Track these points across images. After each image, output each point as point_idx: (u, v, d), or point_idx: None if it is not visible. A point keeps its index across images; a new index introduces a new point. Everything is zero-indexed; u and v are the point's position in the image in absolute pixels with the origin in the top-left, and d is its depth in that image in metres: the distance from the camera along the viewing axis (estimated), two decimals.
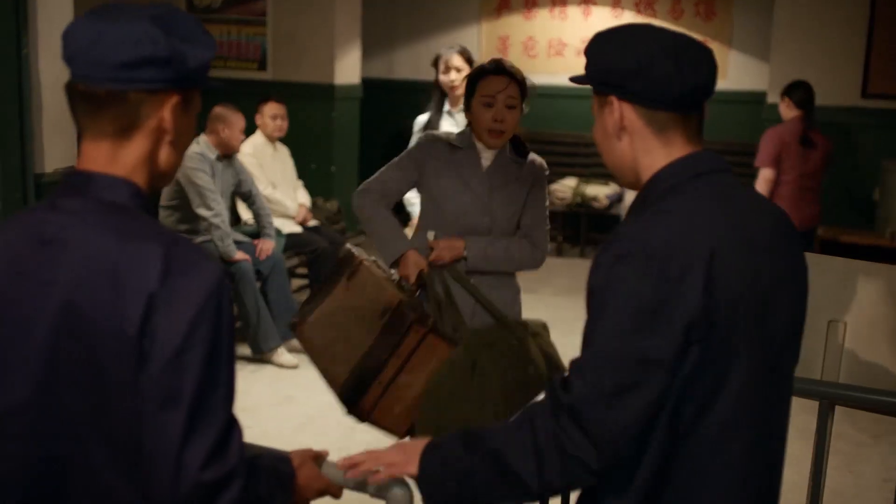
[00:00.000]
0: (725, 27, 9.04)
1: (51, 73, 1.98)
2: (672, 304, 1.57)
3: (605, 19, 9.38)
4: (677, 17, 9.16)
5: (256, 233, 6.12)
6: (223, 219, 5.64)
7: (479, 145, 3.35)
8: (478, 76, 3.28)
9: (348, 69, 8.23)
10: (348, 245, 2.99)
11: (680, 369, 1.59)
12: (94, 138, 1.56)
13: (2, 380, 1.52)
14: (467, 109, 3.31)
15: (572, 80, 1.89)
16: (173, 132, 1.58)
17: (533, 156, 3.42)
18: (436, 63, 5.21)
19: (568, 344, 2.60)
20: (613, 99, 1.75)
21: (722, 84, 8.82)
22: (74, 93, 1.55)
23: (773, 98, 7.51)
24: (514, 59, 9.57)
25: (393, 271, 3.11)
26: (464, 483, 1.71)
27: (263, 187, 6.35)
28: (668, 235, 1.61)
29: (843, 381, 2.60)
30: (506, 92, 3.22)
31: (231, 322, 1.52)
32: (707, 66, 1.74)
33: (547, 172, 3.42)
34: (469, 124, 3.37)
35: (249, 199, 6.05)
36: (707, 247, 1.62)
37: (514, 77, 3.26)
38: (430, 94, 5.21)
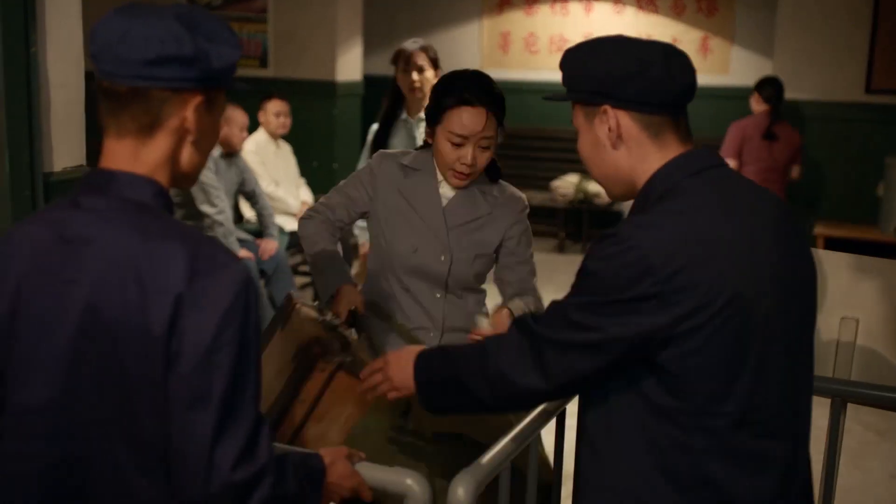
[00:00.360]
0: (728, 22, 9.02)
1: (59, 71, 1.96)
2: (663, 300, 1.60)
3: (606, 15, 9.36)
4: (679, 12, 9.14)
5: (258, 231, 6.11)
6: (227, 216, 5.62)
7: (439, 171, 2.76)
8: (448, 103, 2.62)
9: (350, 66, 8.21)
10: (291, 291, 2.90)
11: (665, 357, 1.62)
12: (118, 136, 1.55)
13: (24, 379, 1.52)
14: (430, 131, 2.70)
15: (548, 98, 1.92)
16: (196, 132, 1.57)
17: (510, 188, 2.82)
18: (395, 59, 4.58)
19: None
20: (607, 108, 1.75)
21: (724, 80, 8.92)
22: (100, 90, 1.55)
23: None
24: (516, 55, 9.57)
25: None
26: (446, 395, 1.90)
27: (266, 185, 6.34)
28: (664, 237, 1.63)
29: (856, 379, 2.58)
30: (482, 133, 2.62)
31: (258, 321, 1.52)
32: (690, 67, 1.78)
33: (527, 211, 2.81)
34: (427, 142, 2.79)
35: (252, 198, 6.04)
36: (706, 247, 1.63)
37: (494, 106, 2.63)
38: (395, 97, 4.55)
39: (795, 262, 1.75)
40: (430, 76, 4.46)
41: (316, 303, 2.78)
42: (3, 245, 1.57)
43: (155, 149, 1.55)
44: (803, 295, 1.77)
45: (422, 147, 2.83)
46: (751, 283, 1.64)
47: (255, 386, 1.51)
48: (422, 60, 4.49)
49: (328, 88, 8.04)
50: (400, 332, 2.73)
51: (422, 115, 3.92)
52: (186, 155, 1.59)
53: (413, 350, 2.00)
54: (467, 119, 2.60)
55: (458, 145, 2.61)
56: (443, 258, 2.70)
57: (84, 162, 2.04)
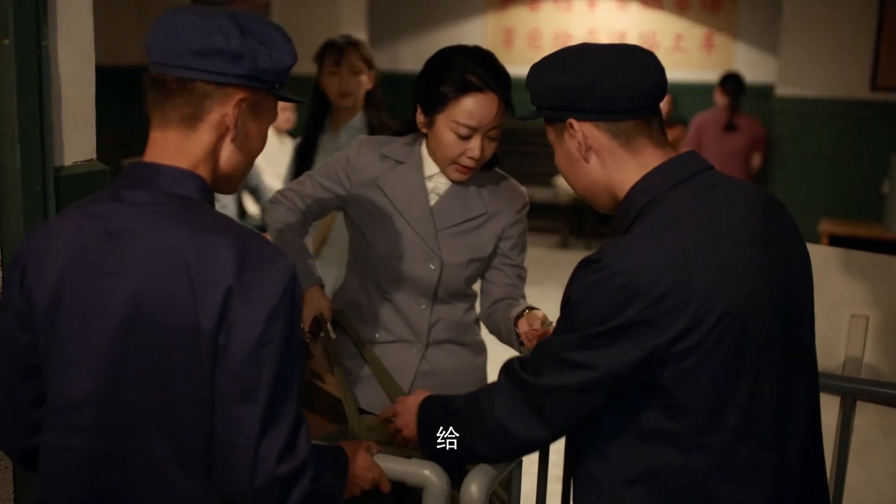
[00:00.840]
0: (732, 19, 9.01)
1: (70, 65, 1.95)
2: (654, 325, 1.55)
3: (610, 11, 9.35)
4: (684, 8, 9.13)
5: (262, 226, 6.11)
6: (230, 211, 5.62)
7: (428, 163, 2.40)
8: (453, 89, 2.25)
9: None
10: None
11: (663, 379, 1.59)
12: (162, 128, 1.56)
13: (69, 372, 1.53)
14: (426, 120, 2.33)
15: (520, 118, 1.88)
16: (236, 130, 1.57)
17: (509, 181, 2.47)
18: (321, 56, 3.81)
19: None
20: (572, 121, 1.71)
21: None
22: (147, 82, 1.56)
23: (782, 90, 7.49)
24: (519, 51, 9.56)
25: None
26: (450, 453, 1.86)
27: (270, 180, 6.33)
28: (649, 258, 1.58)
29: (865, 376, 2.58)
30: (493, 122, 2.27)
31: (301, 315, 1.55)
32: (655, 65, 1.72)
33: (528, 209, 2.49)
34: (406, 129, 2.46)
35: (256, 192, 6.03)
36: (692, 265, 1.58)
37: (505, 91, 2.28)
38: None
39: (788, 261, 1.71)
40: (365, 81, 3.75)
41: None
42: (43, 237, 1.57)
43: (197, 142, 1.55)
44: (798, 294, 1.72)
45: (402, 131, 2.49)
46: (742, 294, 1.60)
47: (298, 380, 1.52)
48: (355, 59, 3.69)
49: None
50: (369, 359, 2.42)
51: (354, 123, 3.70)
52: (226, 153, 1.59)
53: (418, 400, 1.98)
54: (478, 108, 2.24)
55: (465, 137, 2.27)
56: (432, 266, 2.36)
57: (94, 156, 2.04)
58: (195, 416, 1.49)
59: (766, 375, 1.63)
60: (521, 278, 2.50)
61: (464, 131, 2.25)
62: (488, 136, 2.28)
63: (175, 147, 1.56)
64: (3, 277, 1.62)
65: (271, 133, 6.56)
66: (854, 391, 2.44)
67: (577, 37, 9.42)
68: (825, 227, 7.01)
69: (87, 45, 2.02)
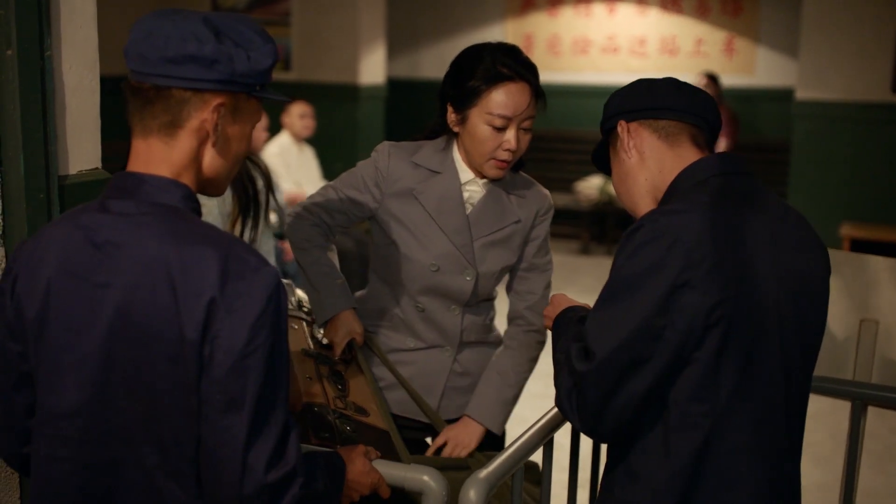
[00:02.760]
0: (753, 23, 8.96)
1: (74, 75, 1.97)
2: (695, 288, 1.60)
3: (629, 17, 9.33)
4: (704, 13, 9.10)
5: (280, 233, 6.13)
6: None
7: (463, 171, 2.37)
8: (485, 81, 2.25)
9: (372, 69, 8.24)
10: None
11: (698, 350, 1.62)
12: (143, 136, 1.56)
13: (54, 383, 1.53)
14: (458, 117, 2.31)
15: (595, 159, 2.02)
16: (215, 135, 1.56)
17: (535, 185, 2.47)
18: None
19: None
20: (622, 122, 1.84)
21: (750, 81, 8.88)
22: (127, 90, 1.56)
23: (802, 94, 7.44)
24: (539, 57, 9.55)
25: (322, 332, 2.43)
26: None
27: (289, 187, 6.36)
28: (695, 224, 1.63)
29: (876, 381, 2.55)
30: (527, 112, 2.27)
31: (287, 324, 1.53)
32: (706, 95, 1.86)
33: (552, 211, 2.48)
34: (433, 132, 2.42)
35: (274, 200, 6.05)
36: (735, 238, 1.65)
37: (535, 80, 2.30)
38: None
39: (806, 272, 1.74)
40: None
41: (310, 317, 2.50)
42: (32, 248, 1.58)
43: (178, 150, 1.55)
44: (818, 305, 1.77)
45: (430, 135, 2.43)
46: (773, 283, 1.67)
47: (284, 389, 1.52)
48: None
49: (351, 91, 8.07)
50: (399, 378, 2.42)
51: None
52: (209, 158, 1.58)
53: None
54: (511, 97, 2.23)
55: (501, 129, 2.25)
56: (467, 277, 2.36)
57: (100, 165, 2.05)
58: (183, 426, 1.49)
59: (782, 367, 1.69)
60: (548, 284, 2.49)
61: (499, 122, 2.24)
62: (522, 128, 2.28)
63: (157, 155, 1.55)
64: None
65: (291, 140, 6.59)
66: (864, 396, 2.42)
67: (597, 42, 9.41)
68: (846, 231, 6.96)
69: (91, 54, 2.04)
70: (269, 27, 8.24)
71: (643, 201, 1.86)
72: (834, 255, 2.64)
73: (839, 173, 7.34)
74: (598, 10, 9.46)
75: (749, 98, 8.75)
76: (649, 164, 1.82)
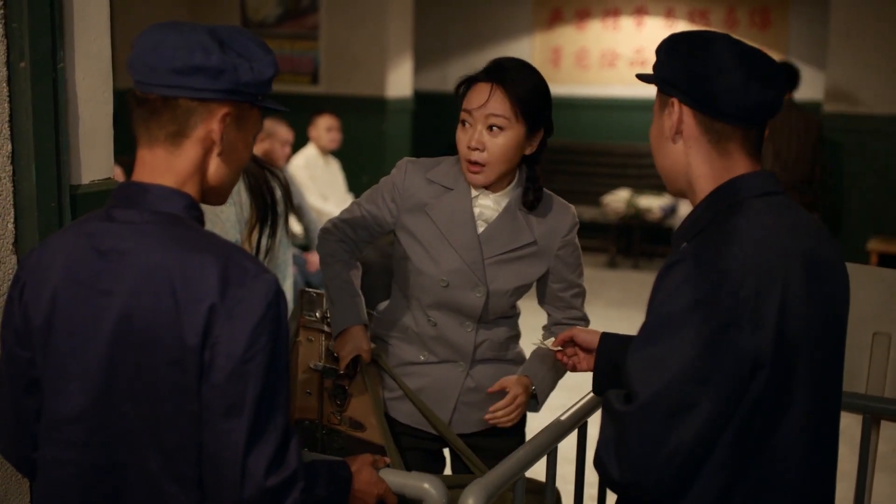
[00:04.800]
0: (781, 36, 8.92)
1: (87, 87, 2.01)
2: (743, 328, 1.53)
3: (657, 29, 9.31)
4: (732, 26, 9.07)
5: (305, 245, 6.17)
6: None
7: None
8: (465, 82, 2.39)
9: (400, 82, 8.28)
10: (304, 288, 2.56)
11: (746, 393, 1.56)
12: (149, 146, 1.59)
13: (61, 389, 1.56)
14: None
15: (639, 77, 1.86)
16: (221, 145, 1.60)
17: (557, 204, 2.43)
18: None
19: None
20: (675, 101, 1.72)
21: None
22: (132, 100, 1.59)
23: (830, 107, 7.38)
24: (567, 70, 9.56)
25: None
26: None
27: (314, 199, 6.40)
28: (740, 256, 1.57)
29: (889, 395, 2.53)
30: (487, 109, 2.27)
31: (287, 331, 1.55)
32: (776, 84, 1.70)
33: (577, 228, 2.45)
34: (454, 148, 2.44)
35: (299, 212, 6.09)
36: (781, 270, 1.59)
37: (504, 83, 2.28)
38: None
39: (836, 294, 1.72)
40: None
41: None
42: (39, 256, 1.62)
43: (184, 159, 1.58)
44: (843, 326, 1.75)
45: (451, 150, 2.46)
46: (812, 311, 1.62)
47: (284, 394, 1.54)
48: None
49: (378, 104, 8.11)
50: (410, 395, 2.41)
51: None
52: (213, 167, 1.62)
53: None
54: (473, 94, 2.31)
55: (466, 125, 2.31)
56: (478, 294, 2.36)
57: (112, 175, 2.09)
58: (185, 431, 1.52)
59: (817, 390, 1.66)
60: (578, 295, 2.49)
61: (462, 115, 2.33)
62: (488, 125, 2.27)
63: (162, 165, 1.58)
64: (7, 294, 1.68)
65: (317, 153, 6.64)
66: (875, 410, 2.40)
67: (625, 56, 9.39)
68: (874, 245, 6.89)
69: (104, 66, 2.08)
70: (297, 41, 8.32)
71: (673, 181, 1.78)
72: (849, 268, 2.63)
73: (867, 187, 7.27)
74: (626, 23, 9.45)
75: None
76: (689, 159, 1.73)
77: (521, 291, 2.43)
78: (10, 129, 1.89)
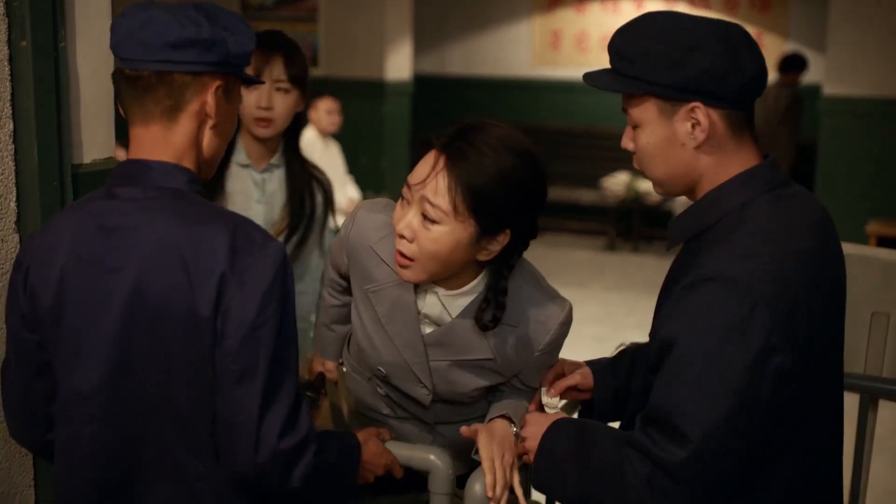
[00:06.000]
0: (782, 18, 8.90)
1: (88, 65, 2.01)
2: (781, 349, 1.49)
3: None
4: (732, 9, 9.04)
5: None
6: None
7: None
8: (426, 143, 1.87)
9: (399, 65, 8.27)
10: None
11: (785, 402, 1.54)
12: (143, 123, 1.61)
13: (76, 365, 1.58)
14: None
15: (627, 93, 1.64)
16: (216, 117, 1.62)
17: (536, 310, 1.89)
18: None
19: (617, 339, 2.57)
20: (699, 105, 1.57)
21: (778, 77, 8.77)
22: (121, 79, 1.60)
23: (829, 90, 7.38)
24: (567, 53, 9.55)
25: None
26: (557, 482, 1.72)
27: None
28: (768, 273, 1.50)
29: (887, 375, 2.54)
30: (422, 188, 1.78)
31: (294, 298, 1.58)
32: (755, 47, 1.62)
33: (562, 334, 1.92)
34: None
35: None
36: (798, 275, 1.54)
37: (457, 164, 1.74)
38: None
39: (839, 281, 1.70)
40: (292, 103, 2.67)
41: None
42: (42, 239, 1.63)
43: (179, 133, 1.61)
44: (837, 311, 1.72)
45: None
46: (827, 308, 1.61)
47: (294, 360, 1.58)
48: (278, 73, 2.63)
49: (377, 87, 8.11)
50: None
51: (276, 162, 2.72)
52: (207, 140, 1.64)
53: (553, 417, 1.85)
54: (422, 160, 1.82)
55: (404, 201, 1.83)
56: (424, 391, 1.98)
57: (113, 154, 2.09)
58: (199, 400, 1.55)
59: (834, 379, 1.66)
60: (529, 400, 2.03)
61: (404, 188, 1.83)
62: (423, 213, 1.78)
63: (159, 141, 1.60)
64: (10, 279, 1.69)
65: (316, 135, 6.63)
66: (873, 390, 2.41)
67: None
68: (873, 228, 6.90)
69: (104, 45, 2.07)
70: (297, 23, 8.30)
71: (678, 186, 1.67)
72: (846, 247, 2.63)
73: (866, 170, 7.27)
74: (626, 6, 9.43)
75: None
76: (711, 161, 1.62)
77: (478, 392, 1.99)
78: (12, 108, 1.89)
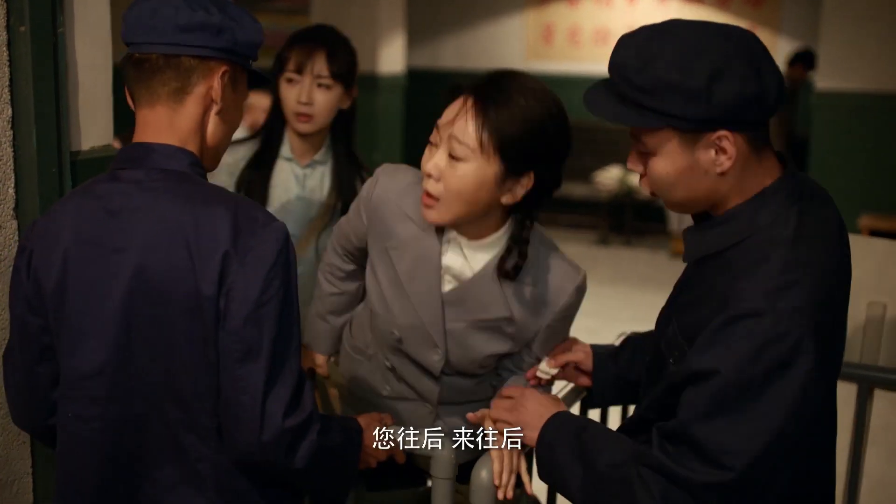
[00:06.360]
0: (774, 13, 8.92)
1: (87, 53, 2.00)
2: (824, 372, 1.48)
3: (650, 7, 9.30)
4: (725, 3, 9.06)
5: None
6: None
7: (448, 229, 1.94)
8: (451, 91, 1.93)
9: (392, 58, 8.25)
10: None
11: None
12: (149, 105, 1.62)
13: (80, 346, 1.59)
14: None
15: (675, 126, 1.52)
16: (221, 103, 1.64)
17: (557, 273, 1.94)
18: (282, 61, 2.68)
19: (610, 332, 2.56)
20: (726, 134, 1.50)
21: None
22: (129, 65, 1.62)
23: (822, 84, 7.39)
24: (559, 47, 9.55)
25: None
26: (560, 479, 1.71)
27: None
28: (811, 300, 1.46)
29: (883, 364, 2.55)
30: (451, 127, 1.84)
31: (297, 277, 1.59)
32: (771, 62, 1.55)
33: (579, 299, 1.97)
34: None
35: None
36: (839, 292, 1.53)
37: (486, 106, 1.82)
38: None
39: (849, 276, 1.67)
40: (333, 99, 2.66)
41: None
42: (48, 220, 1.64)
43: (185, 116, 1.62)
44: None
45: None
46: (843, 322, 1.59)
47: (297, 339, 1.58)
48: (320, 68, 2.62)
49: (370, 81, 8.08)
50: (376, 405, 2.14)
51: (319, 158, 2.71)
52: (212, 126, 1.65)
53: (555, 404, 1.84)
54: (451, 105, 1.90)
55: (432, 144, 1.89)
56: (436, 357, 2.00)
57: (112, 141, 2.09)
58: (202, 380, 1.55)
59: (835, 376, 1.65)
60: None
61: (434, 131, 1.91)
62: (451, 153, 1.84)
63: (164, 123, 1.61)
64: (14, 264, 1.69)
65: None
66: (870, 379, 2.42)
67: (617, 33, 9.37)
68: (866, 222, 6.91)
69: (103, 32, 2.07)
70: (288, 16, 8.29)
71: (697, 207, 1.62)
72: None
73: (859, 164, 7.29)
74: (619, 0, 9.44)
75: None
76: (735, 183, 1.56)
77: (492, 360, 2.02)
78: (11, 93, 1.89)
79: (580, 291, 1.95)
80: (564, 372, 2.09)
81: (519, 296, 1.93)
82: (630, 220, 9.04)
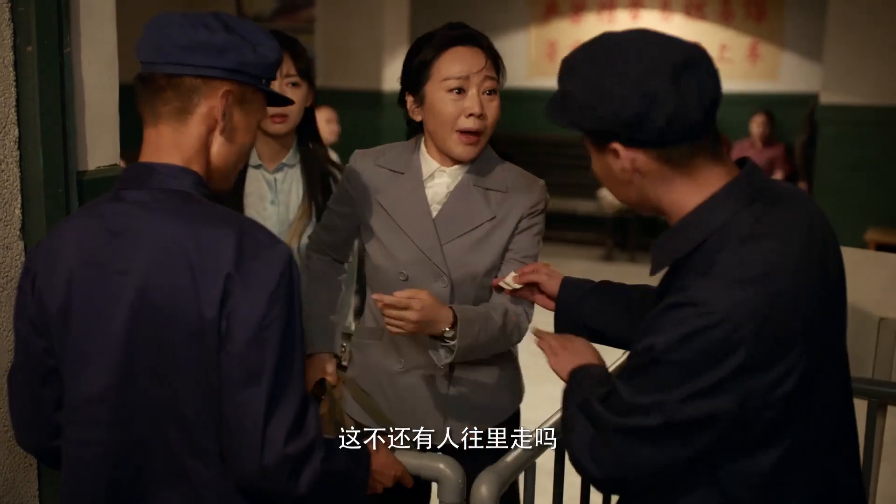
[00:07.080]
0: (777, 28, 8.92)
1: (93, 72, 2.00)
2: (760, 367, 1.44)
3: (653, 23, 9.31)
4: (728, 18, 9.07)
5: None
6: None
7: (427, 164, 2.25)
8: (434, 51, 2.19)
9: (396, 75, 8.23)
10: None
11: (770, 398, 1.49)
12: (153, 125, 1.61)
13: (83, 370, 1.57)
14: (417, 98, 2.21)
15: (562, 123, 1.59)
16: (224, 122, 1.62)
17: (524, 176, 2.26)
18: None
19: (614, 351, 2.52)
20: (618, 147, 1.53)
21: (774, 86, 8.82)
22: (137, 84, 1.62)
23: (826, 99, 7.40)
24: None
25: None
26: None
27: None
28: (754, 303, 1.44)
29: (895, 380, 2.53)
30: (485, 72, 2.17)
31: (300, 301, 1.57)
32: (710, 76, 1.51)
33: (543, 205, 2.25)
34: (410, 128, 2.32)
35: None
36: (792, 289, 1.49)
37: (487, 46, 2.22)
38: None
39: (838, 277, 1.64)
40: (302, 96, 2.75)
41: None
42: (52, 242, 1.63)
43: (188, 136, 1.60)
44: (839, 311, 1.66)
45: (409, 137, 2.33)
46: (823, 321, 1.55)
47: (300, 361, 1.56)
48: (288, 68, 2.69)
49: (375, 98, 8.11)
50: (378, 420, 2.25)
51: (288, 161, 2.74)
52: (217, 146, 1.64)
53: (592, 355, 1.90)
54: (463, 56, 2.17)
55: (459, 93, 2.14)
56: (441, 284, 2.18)
57: (118, 161, 2.08)
58: (205, 404, 1.53)
59: (833, 385, 1.60)
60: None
61: (455, 83, 2.14)
62: (485, 91, 2.16)
63: (168, 143, 1.60)
64: (18, 285, 1.68)
65: None
66: (881, 395, 2.40)
67: None
68: (871, 236, 6.91)
69: (110, 52, 2.07)
70: (294, 34, 8.28)
71: (643, 209, 1.64)
72: (853, 253, 2.63)
73: (864, 178, 7.29)
74: (622, 16, 9.46)
75: (773, 103, 8.69)
76: (659, 194, 1.57)
77: (490, 274, 2.22)
78: (17, 113, 1.88)
79: (544, 191, 2.26)
80: (529, 290, 2.19)
81: (496, 202, 2.21)
82: (635, 237, 9.02)
